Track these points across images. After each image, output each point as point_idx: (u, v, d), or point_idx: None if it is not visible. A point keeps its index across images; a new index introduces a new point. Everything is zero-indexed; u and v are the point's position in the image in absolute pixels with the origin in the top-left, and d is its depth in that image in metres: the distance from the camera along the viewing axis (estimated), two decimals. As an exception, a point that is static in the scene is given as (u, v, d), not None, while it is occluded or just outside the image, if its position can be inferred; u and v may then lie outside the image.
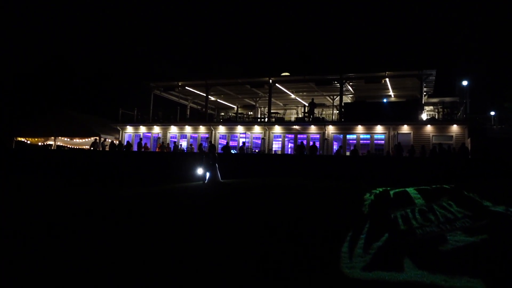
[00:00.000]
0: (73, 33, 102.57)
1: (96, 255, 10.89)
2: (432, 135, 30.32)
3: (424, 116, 32.16)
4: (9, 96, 63.13)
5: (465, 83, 33.60)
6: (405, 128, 30.87)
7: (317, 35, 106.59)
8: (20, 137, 41.07)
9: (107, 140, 38.42)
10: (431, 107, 37.02)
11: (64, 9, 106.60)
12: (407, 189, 17.11)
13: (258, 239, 11.61)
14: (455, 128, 29.87)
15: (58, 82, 66.11)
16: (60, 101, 60.97)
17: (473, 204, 13.62)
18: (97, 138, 36.94)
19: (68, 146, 41.72)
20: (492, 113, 36.30)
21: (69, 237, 12.64)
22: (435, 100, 36.68)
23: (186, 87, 38.88)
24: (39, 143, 41.67)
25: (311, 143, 31.61)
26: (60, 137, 40.23)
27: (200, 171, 24.08)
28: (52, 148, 39.87)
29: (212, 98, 41.76)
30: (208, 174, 22.87)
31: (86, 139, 39.10)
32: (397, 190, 17.18)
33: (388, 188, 17.92)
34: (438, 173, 23.66)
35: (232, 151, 33.61)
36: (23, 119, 55.19)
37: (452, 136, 29.90)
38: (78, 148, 41.51)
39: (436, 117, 34.95)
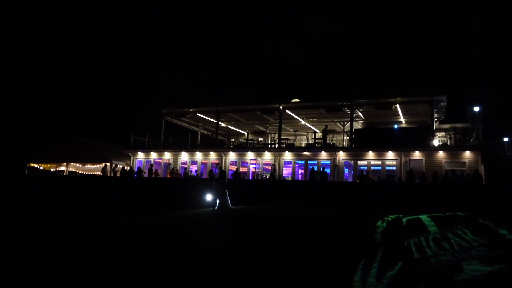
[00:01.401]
0: (85, 60, 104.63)
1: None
2: (445, 162, 29.99)
3: (435, 142, 31.91)
4: (23, 122, 64.15)
5: (476, 109, 33.38)
6: (417, 154, 30.60)
7: (327, 61, 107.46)
8: (33, 163, 41.48)
9: (118, 166, 38.61)
10: (443, 133, 36.75)
11: (77, 37, 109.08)
12: (420, 216, 16.83)
13: (269, 266, 11.42)
14: (468, 154, 29.54)
15: (70, 108, 67.13)
16: (72, 127, 61.77)
17: (488, 232, 13.32)
18: (108, 164, 37.16)
19: (80, 172, 41.98)
20: (506, 139, 35.90)
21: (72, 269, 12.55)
22: (446, 126, 36.43)
23: (197, 114, 39.14)
24: (52, 169, 42.01)
25: (321, 169, 31.44)
26: (72, 163, 40.55)
27: (210, 197, 24.04)
28: (64, 174, 40.14)
29: (223, 125, 41.96)
30: (218, 201, 22.80)
31: (98, 165, 39.33)
32: (410, 217, 16.90)
33: (401, 215, 17.64)
34: (451, 200, 23.31)
35: (242, 176, 33.56)
36: (36, 145, 55.90)
37: (465, 162, 29.54)
38: (90, 174, 41.74)
39: (448, 143, 34.64)
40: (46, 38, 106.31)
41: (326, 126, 35.71)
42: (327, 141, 36.30)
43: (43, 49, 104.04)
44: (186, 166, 37.33)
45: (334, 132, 40.04)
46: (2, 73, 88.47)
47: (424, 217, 16.42)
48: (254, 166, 35.45)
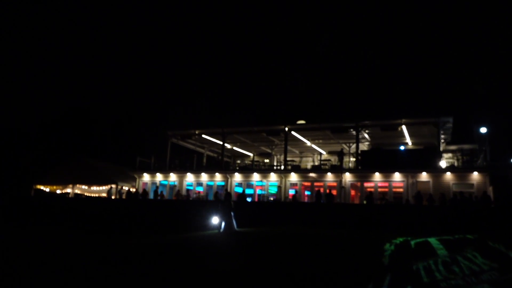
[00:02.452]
0: (92, 83, 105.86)
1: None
2: (452, 183, 29.72)
3: (442, 164, 31.69)
4: (30, 144, 64.54)
5: (483, 130, 33.16)
6: (424, 176, 30.35)
7: (333, 82, 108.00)
8: (39, 184, 41.55)
9: (123, 188, 38.61)
10: (450, 155, 36.53)
11: (84, 60, 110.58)
12: (428, 239, 16.58)
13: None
14: (475, 176, 29.27)
15: (77, 130, 67.59)
16: (79, 148, 62.04)
17: (499, 256, 13.07)
18: (114, 185, 37.17)
19: (86, 194, 41.98)
20: (513, 160, 35.52)
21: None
22: (453, 147, 36.25)
23: (203, 135, 39.22)
24: (57, 191, 42.04)
25: (328, 191, 31.26)
26: (78, 185, 40.58)
27: (215, 219, 23.86)
28: (70, 196, 40.15)
29: (228, 146, 41.98)
30: (223, 223, 22.62)
31: (104, 187, 39.35)
32: (418, 240, 16.65)
33: (409, 238, 17.39)
34: (459, 222, 23.04)
35: (248, 199, 33.39)
36: (43, 167, 56.07)
37: (473, 184, 29.26)
38: (96, 196, 41.73)
39: (455, 164, 34.39)
40: (54, 61, 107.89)
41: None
42: (332, 163, 36.19)
43: (51, 73, 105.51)
44: (192, 188, 37.23)
45: (340, 153, 39.88)
46: (10, 96, 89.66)
47: (433, 240, 16.17)
48: (260, 188, 35.30)
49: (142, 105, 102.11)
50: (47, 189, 41.85)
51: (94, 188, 40.59)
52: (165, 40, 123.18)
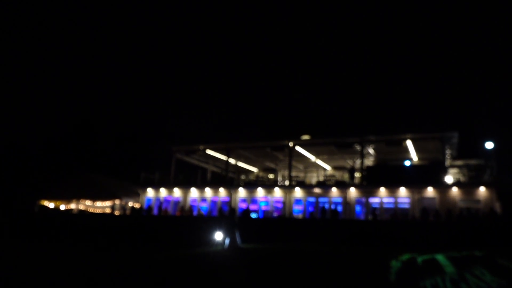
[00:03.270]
0: (96, 97, 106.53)
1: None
2: (459, 199, 29.43)
3: (449, 179, 31.43)
4: (34, 159, 64.73)
5: (490, 145, 32.87)
6: (430, 191, 30.09)
7: (337, 97, 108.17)
8: (44, 199, 41.45)
9: (128, 203, 38.50)
10: (456, 170, 36.25)
11: (87, 75, 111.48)
12: (436, 256, 16.33)
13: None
14: (482, 191, 28.98)
15: (81, 145, 67.75)
16: (83, 164, 62.11)
17: (507, 273, 12.83)
18: (118, 201, 37.07)
19: (90, 209, 41.84)
20: (521, 175, 35.17)
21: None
22: (459, 162, 35.97)
23: (207, 151, 39.16)
24: (61, 206, 41.92)
25: (332, 207, 31.02)
26: (82, 200, 40.46)
27: (219, 236, 23.67)
28: (74, 212, 40.03)
29: (233, 162, 41.88)
30: (227, 239, 22.44)
31: (108, 202, 39.23)
32: (425, 257, 16.40)
33: (416, 255, 17.14)
34: (466, 238, 22.77)
35: (253, 215, 33.21)
36: (47, 182, 56.09)
37: (479, 199, 28.95)
38: (100, 212, 41.58)
39: (462, 180, 34.10)
40: (58, 76, 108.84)
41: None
42: (337, 178, 36.00)
43: (56, 88, 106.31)
44: (196, 203, 37.07)
45: (344, 169, 39.73)
46: (15, 111, 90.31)
47: (440, 257, 15.93)
48: (264, 203, 35.08)
49: (146, 120, 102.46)
50: (52, 204, 41.76)
51: (98, 203, 40.48)
52: (169, 54, 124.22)
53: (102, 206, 40.61)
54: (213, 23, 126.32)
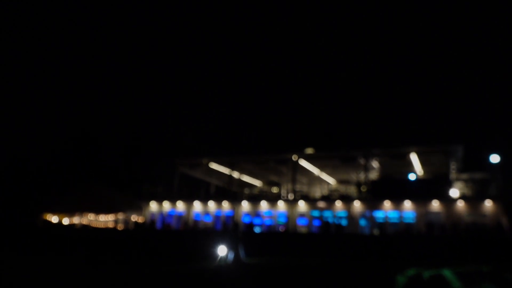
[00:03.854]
0: (100, 110, 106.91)
1: None
2: (464, 213, 29.15)
3: (454, 193, 31.19)
4: (36, 172, 64.80)
5: (496, 158, 32.51)
6: (435, 205, 29.84)
7: (341, 110, 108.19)
8: (47, 212, 41.33)
9: (131, 217, 38.37)
10: (461, 184, 35.97)
11: (91, 87, 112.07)
12: (442, 270, 16.08)
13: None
14: (488, 205, 28.70)
15: (85, 158, 67.83)
16: (86, 176, 62.11)
17: (516, 289, 12.60)
18: (121, 215, 36.96)
19: (93, 224, 41.67)
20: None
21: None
22: (464, 176, 35.69)
23: (211, 164, 39.08)
24: (64, 219, 41.78)
25: (337, 221, 30.80)
26: (85, 213, 40.34)
27: (223, 250, 23.50)
28: (77, 226, 39.86)
29: (236, 175, 41.78)
30: (231, 254, 22.26)
31: (111, 216, 39.12)
32: (431, 272, 16.14)
33: (422, 270, 16.89)
34: (473, 253, 22.53)
35: (256, 228, 33.03)
36: (50, 195, 56.05)
37: (485, 213, 28.66)
38: (103, 227, 41.39)
39: (467, 194, 33.80)
40: (62, 88, 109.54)
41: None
42: (341, 192, 35.77)
43: (58, 100, 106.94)
44: (199, 217, 36.90)
45: (348, 182, 39.53)
46: (17, 123, 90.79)
47: (447, 272, 15.67)
48: (268, 217, 34.87)
49: (149, 133, 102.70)
50: (55, 217, 41.64)
51: (101, 217, 40.35)
52: (172, 66, 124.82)
53: (105, 220, 40.50)
54: (216, 31, 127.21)
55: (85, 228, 38.27)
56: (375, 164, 35.60)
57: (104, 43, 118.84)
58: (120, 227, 36.80)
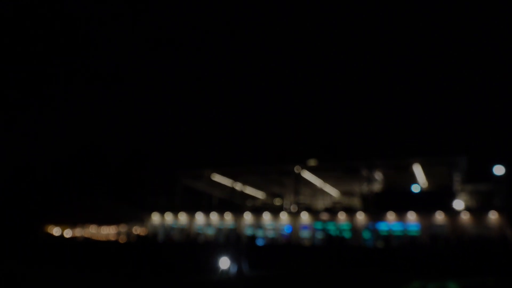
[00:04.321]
0: (103, 122, 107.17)
1: None
2: (469, 225, 28.90)
3: (458, 205, 30.95)
4: (39, 183, 64.81)
5: (501, 170, 32.24)
6: (439, 217, 29.61)
7: (344, 121, 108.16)
8: (49, 224, 41.20)
9: (133, 229, 38.23)
10: (466, 195, 35.73)
11: (95, 99, 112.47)
12: (447, 283, 15.90)
13: None
14: (493, 217, 28.45)
15: (87, 169, 67.81)
16: (89, 188, 62.03)
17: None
18: (123, 226, 36.84)
19: (95, 237, 41.48)
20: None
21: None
22: (469, 187, 35.48)
23: (213, 176, 38.96)
24: (66, 231, 41.63)
25: (340, 232, 30.58)
26: (87, 225, 40.22)
27: (226, 262, 23.29)
28: (79, 239, 39.69)
29: (239, 187, 41.64)
30: (234, 266, 22.07)
31: (113, 228, 38.99)
32: (436, 284, 15.97)
33: (426, 282, 16.70)
34: (478, 265, 22.30)
35: (259, 241, 32.82)
36: (53, 206, 55.94)
37: (490, 225, 28.41)
38: (105, 240, 41.20)
39: (472, 205, 33.54)
40: (67, 100, 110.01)
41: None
42: (344, 204, 35.62)
43: (60, 111, 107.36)
44: (202, 229, 36.71)
45: (352, 194, 39.33)
46: (20, 135, 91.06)
47: (451, 285, 15.50)
48: (271, 229, 34.66)
49: (152, 144, 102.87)
50: (57, 229, 41.50)
51: (103, 229, 40.19)
52: (174, 76, 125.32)
53: (107, 232, 40.34)
54: (220, 39, 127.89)
55: (87, 241, 38.16)
56: (378, 175, 35.45)
57: (108, 49, 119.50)
58: (122, 239, 36.63)
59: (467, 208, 31.29)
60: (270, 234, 34.63)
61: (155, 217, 38.24)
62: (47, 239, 38.22)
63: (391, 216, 30.65)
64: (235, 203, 39.90)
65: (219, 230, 36.20)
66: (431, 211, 29.54)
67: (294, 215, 33.83)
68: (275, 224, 34.51)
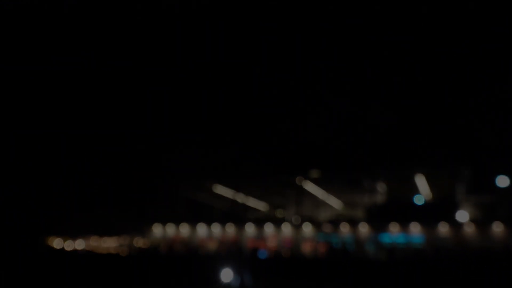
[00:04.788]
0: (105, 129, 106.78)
1: None
2: (473, 236, 28.75)
3: (462, 216, 30.79)
4: (43, 192, 64.61)
5: (505, 181, 32.03)
6: (443, 229, 29.47)
7: (347, 132, 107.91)
8: (50, 235, 41.05)
9: (135, 241, 38.10)
10: (470, 207, 35.54)
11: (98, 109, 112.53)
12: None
13: None
14: (498, 228, 28.30)
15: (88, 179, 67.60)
16: (91, 199, 61.76)
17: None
18: (125, 238, 36.69)
19: (96, 250, 41.25)
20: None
21: None
22: (473, 198, 35.30)
23: (215, 187, 38.84)
24: (67, 242, 41.47)
25: (343, 244, 30.43)
26: (89, 237, 40.06)
27: (228, 275, 23.09)
28: (81, 253, 39.46)
29: (241, 199, 41.47)
30: (236, 279, 21.88)
31: (115, 239, 38.86)
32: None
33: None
34: (481, 278, 22.16)
35: (261, 253, 32.62)
36: (54, 217, 55.71)
37: (494, 237, 28.26)
38: (106, 253, 40.98)
39: (476, 217, 33.36)
40: (67, 109, 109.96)
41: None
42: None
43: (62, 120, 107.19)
44: (203, 240, 36.52)
45: (355, 205, 39.16)
46: (24, 143, 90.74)
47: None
48: (273, 241, 34.46)
49: (154, 155, 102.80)
50: (58, 241, 41.34)
51: (104, 241, 40.03)
52: (176, 87, 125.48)
53: (108, 245, 40.17)
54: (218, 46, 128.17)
55: (89, 254, 37.96)
56: (381, 186, 35.31)
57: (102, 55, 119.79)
58: (123, 252, 36.46)
59: (471, 220, 31.12)
60: (272, 245, 34.41)
61: (157, 229, 38.06)
62: (47, 253, 38.04)
63: (394, 228, 30.52)
64: (237, 215, 39.75)
65: (221, 242, 35.99)
66: (435, 222, 29.42)
67: (297, 227, 33.66)
68: (277, 235, 34.33)
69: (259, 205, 44.32)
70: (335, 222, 33.50)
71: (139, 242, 37.55)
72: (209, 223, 36.96)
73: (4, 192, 62.53)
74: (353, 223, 32.44)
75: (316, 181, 35.56)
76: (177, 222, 37.63)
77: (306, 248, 33.49)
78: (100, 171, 69.80)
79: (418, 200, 33.26)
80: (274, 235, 34.37)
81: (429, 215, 29.73)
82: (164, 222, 38.09)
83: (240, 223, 36.65)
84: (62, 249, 39.39)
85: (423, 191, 35.70)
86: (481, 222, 29.70)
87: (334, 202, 39.47)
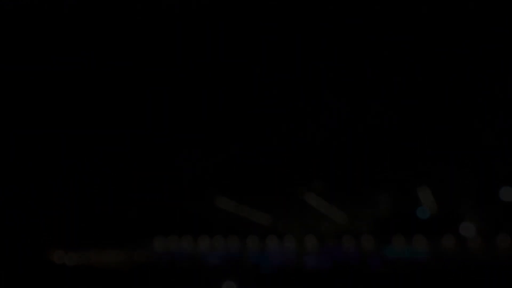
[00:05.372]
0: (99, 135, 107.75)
1: None
2: (479, 250, 28.79)
3: (468, 229, 30.76)
4: (42, 203, 65.02)
5: (510, 193, 31.99)
6: (448, 242, 29.53)
7: (349, 141, 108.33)
8: (51, 247, 40.97)
9: (135, 253, 38.01)
10: (476, 219, 35.50)
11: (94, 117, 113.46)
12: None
13: None
14: (506, 242, 28.20)
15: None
16: (91, 209, 62.09)
17: None
18: (126, 251, 36.61)
19: (96, 264, 41.34)
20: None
21: None
22: (478, 209, 35.25)
23: (215, 198, 38.78)
24: (68, 254, 41.43)
25: (345, 258, 30.63)
26: (90, 248, 40.02)
27: (230, 289, 23.21)
28: (81, 267, 39.50)
29: (243, 210, 41.43)
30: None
31: (116, 252, 38.81)
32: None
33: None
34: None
35: (263, 266, 32.69)
36: (56, 228, 55.96)
37: (503, 251, 28.22)
38: (106, 268, 41.02)
39: (482, 230, 33.29)
40: (70, 116, 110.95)
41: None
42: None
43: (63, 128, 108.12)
44: (205, 254, 36.59)
45: (358, 217, 39.14)
46: (23, 144, 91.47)
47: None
48: (275, 253, 34.51)
49: (155, 162, 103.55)
50: (59, 253, 41.28)
51: (105, 254, 40.01)
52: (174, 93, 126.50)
53: (110, 257, 40.15)
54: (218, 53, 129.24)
55: (90, 268, 38.03)
56: (385, 198, 35.29)
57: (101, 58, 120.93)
58: (124, 266, 36.46)
59: (477, 233, 31.07)
60: (275, 259, 34.46)
61: (158, 242, 38.03)
62: (46, 267, 38.03)
63: (397, 240, 30.68)
64: (237, 226, 39.78)
65: (223, 255, 36.03)
66: (440, 235, 29.58)
67: (297, 238, 33.72)
68: (280, 248, 34.38)
69: (261, 217, 44.30)
70: (338, 235, 33.58)
71: (141, 255, 37.55)
72: (211, 235, 37.02)
73: (4, 192, 63.00)
74: (356, 235, 32.53)
75: (318, 193, 35.52)
76: (179, 234, 37.66)
77: (309, 261, 33.65)
78: (100, 171, 70.29)
79: (422, 212, 33.24)
80: (277, 248, 34.49)
81: (433, 228, 29.92)
82: (165, 235, 38.10)
83: (242, 236, 36.70)
84: (64, 264, 39.42)
85: (427, 204, 35.62)
86: (488, 235, 29.68)
87: (337, 214, 39.42)
